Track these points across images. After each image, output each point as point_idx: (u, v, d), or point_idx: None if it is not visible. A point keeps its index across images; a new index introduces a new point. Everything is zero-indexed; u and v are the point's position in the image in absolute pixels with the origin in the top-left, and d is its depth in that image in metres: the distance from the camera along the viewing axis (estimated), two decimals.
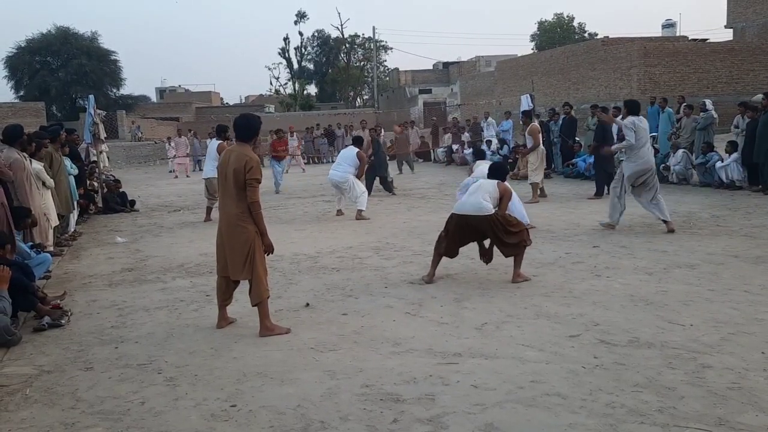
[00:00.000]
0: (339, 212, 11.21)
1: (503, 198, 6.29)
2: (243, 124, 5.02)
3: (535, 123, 12.73)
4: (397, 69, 55.67)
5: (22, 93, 41.32)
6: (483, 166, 8.19)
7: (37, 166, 7.68)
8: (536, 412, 3.41)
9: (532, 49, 51.78)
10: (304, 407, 3.62)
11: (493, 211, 6.15)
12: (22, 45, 41.72)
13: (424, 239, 8.52)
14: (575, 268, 6.58)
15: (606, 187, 11.59)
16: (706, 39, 31.25)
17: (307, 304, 5.71)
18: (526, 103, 15.76)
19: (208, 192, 11.06)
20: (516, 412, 3.42)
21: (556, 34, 52.39)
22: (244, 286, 5.13)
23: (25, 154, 7.27)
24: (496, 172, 6.66)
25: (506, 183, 6.55)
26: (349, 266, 7.21)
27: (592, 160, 15.45)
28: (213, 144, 10.73)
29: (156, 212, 12.97)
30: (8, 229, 6.08)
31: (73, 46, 41.52)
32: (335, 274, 6.88)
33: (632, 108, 8.53)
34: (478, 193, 6.26)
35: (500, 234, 6.10)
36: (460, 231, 6.30)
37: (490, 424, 3.28)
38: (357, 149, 11.21)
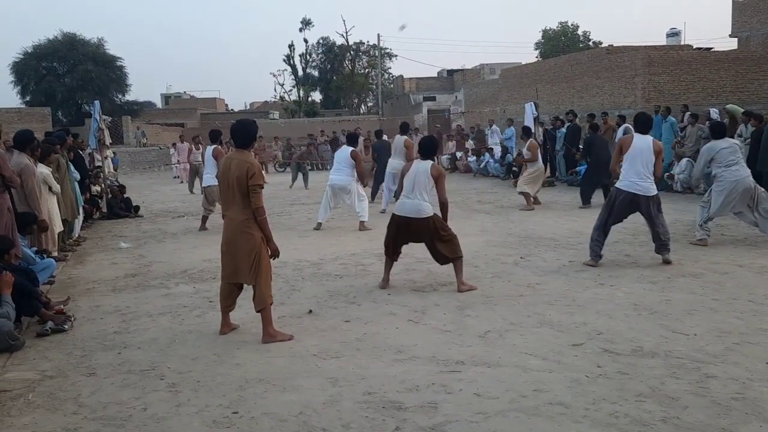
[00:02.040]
0: (318, 226, 10.44)
1: (438, 181, 6.26)
2: (240, 130, 5.03)
3: (533, 140, 12.71)
4: (401, 76, 55.72)
5: (28, 98, 41.51)
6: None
7: (44, 171, 7.71)
8: (539, 421, 3.40)
9: (537, 57, 51.83)
10: (306, 414, 3.61)
11: (431, 214, 6.25)
12: (29, 51, 41.94)
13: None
14: (579, 277, 6.57)
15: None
16: (711, 48, 31.24)
17: (310, 311, 5.71)
18: (530, 111, 15.77)
19: (207, 201, 10.98)
20: (519, 421, 3.41)
21: (560, 43, 52.44)
22: (247, 293, 5.13)
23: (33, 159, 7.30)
24: (428, 148, 6.61)
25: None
26: (353, 273, 7.20)
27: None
28: (209, 150, 10.74)
29: (160, 218, 12.99)
30: (13, 235, 6.09)
31: (79, 52, 41.73)
32: (338, 280, 6.88)
33: (716, 131, 8.13)
34: (416, 191, 6.25)
35: (435, 240, 6.24)
36: (399, 232, 6.41)
37: None
38: (351, 148, 10.65)
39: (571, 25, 55.12)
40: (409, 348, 4.63)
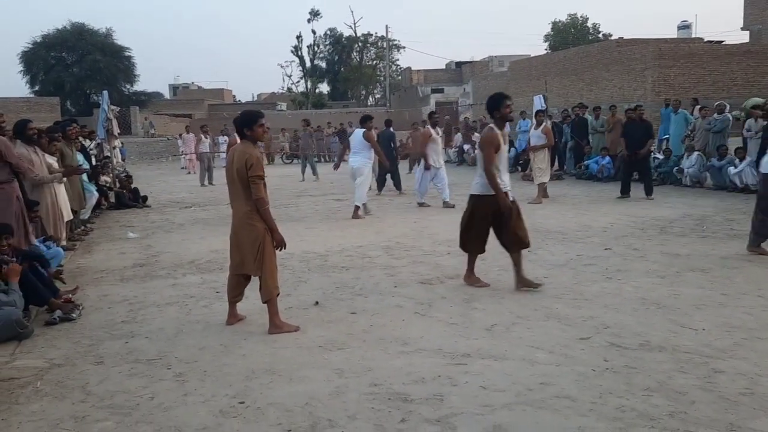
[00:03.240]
0: (363, 208, 11.05)
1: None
2: (238, 120, 5.02)
3: (547, 125, 12.68)
4: (409, 68, 55.59)
5: (37, 88, 41.68)
6: None
7: (49, 160, 7.73)
8: (545, 414, 3.39)
9: (546, 49, 51.54)
10: (312, 405, 3.61)
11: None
12: (38, 40, 42.07)
13: (434, 239, 8.51)
14: (586, 270, 6.54)
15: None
16: (722, 41, 30.98)
17: (317, 303, 5.71)
18: (539, 103, 15.71)
19: None
20: (525, 414, 3.40)
21: (569, 35, 52.13)
22: (254, 284, 5.14)
23: (36, 147, 7.31)
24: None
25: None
26: (359, 265, 7.20)
27: (606, 161, 15.40)
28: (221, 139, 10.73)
29: (167, 208, 13.03)
30: (24, 223, 6.12)
31: (87, 42, 41.87)
32: (345, 272, 6.88)
33: None
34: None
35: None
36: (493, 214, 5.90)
37: (499, 426, 3.26)
38: (363, 130, 10.86)
39: (581, 17, 54.76)
40: (415, 340, 4.62)
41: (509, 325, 4.90)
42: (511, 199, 5.89)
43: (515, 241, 5.92)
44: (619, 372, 3.90)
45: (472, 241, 6.12)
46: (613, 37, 39.90)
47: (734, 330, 4.60)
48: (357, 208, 10.71)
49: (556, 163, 15.99)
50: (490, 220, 5.96)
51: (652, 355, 4.15)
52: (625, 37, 29.99)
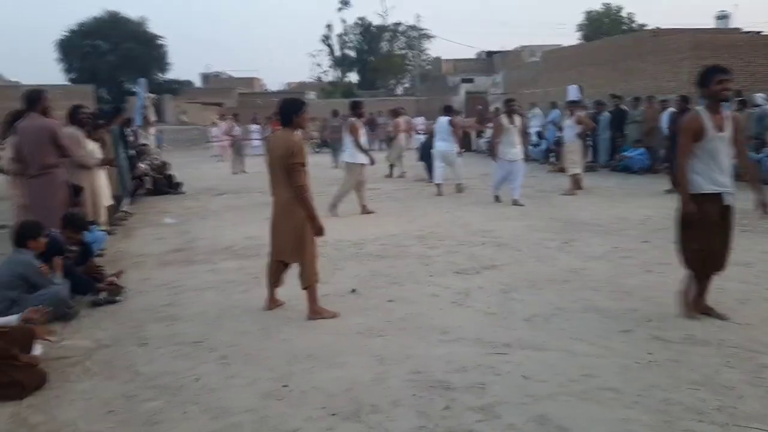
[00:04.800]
0: (438, 188, 12.02)
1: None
2: (282, 108, 5.05)
3: (581, 114, 12.48)
4: (439, 57, 55.23)
5: (73, 76, 42.40)
6: None
7: (91, 146, 7.88)
8: (590, 405, 3.38)
9: (579, 39, 50.78)
10: (355, 390, 3.65)
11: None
12: (74, 29, 42.74)
13: (468, 229, 8.48)
14: (624, 263, 6.47)
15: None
16: (761, 31, 30.19)
17: (354, 290, 5.75)
18: (574, 93, 15.47)
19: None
20: (569, 404, 3.39)
21: (603, 24, 51.25)
22: (293, 270, 5.18)
23: (83, 132, 7.49)
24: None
25: None
26: (393, 254, 7.22)
27: (639, 152, 15.18)
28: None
29: (201, 195, 13.19)
30: (69, 207, 6.25)
31: (122, 30, 42.46)
32: (379, 261, 6.90)
33: None
34: None
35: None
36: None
37: (543, 416, 3.26)
38: (448, 117, 12.09)
39: (615, 6, 53.79)
40: (453, 329, 4.63)
41: (548, 316, 4.87)
42: (726, 203, 4.59)
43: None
44: (663, 365, 3.86)
45: (697, 257, 4.67)
46: (648, 27, 39.14)
47: None
48: (460, 184, 12.20)
49: (590, 154, 15.80)
50: (718, 224, 4.58)
51: (696, 349, 4.10)
52: (661, 27, 29.39)
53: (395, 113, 18.37)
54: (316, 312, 4.97)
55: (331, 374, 3.89)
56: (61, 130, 6.37)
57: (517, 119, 10.85)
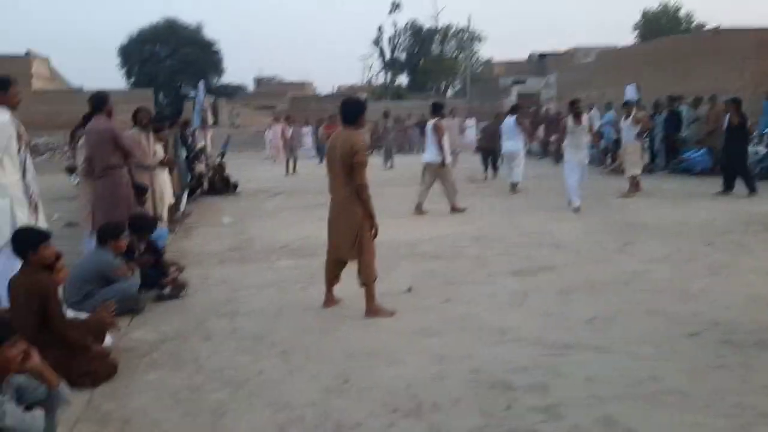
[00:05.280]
0: (512, 187, 12.45)
1: None
2: (346, 108, 5.10)
3: (638, 114, 12.14)
4: (490, 59, 54.86)
5: (133, 80, 43.81)
6: None
7: (155, 146, 8.12)
8: (657, 408, 3.29)
9: (635, 38, 49.62)
10: (415, 388, 3.65)
11: None
12: (134, 36, 44.17)
13: (522, 231, 8.39)
14: (688, 266, 6.28)
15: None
16: None
17: (409, 289, 5.75)
18: (631, 93, 15.10)
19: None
20: (636, 406, 3.32)
21: (661, 24, 49.91)
22: (350, 269, 5.21)
23: (147, 133, 7.74)
24: None
25: None
26: (449, 254, 7.19)
27: (700, 154, 14.71)
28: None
29: (256, 196, 13.43)
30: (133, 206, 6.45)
31: (179, 36, 43.62)
32: (434, 261, 6.89)
33: None
34: None
35: None
36: None
37: (609, 417, 3.20)
38: (515, 116, 12.61)
39: (673, 5, 52.32)
40: (512, 329, 4.58)
41: (610, 318, 4.77)
42: None
43: None
44: (734, 369, 3.73)
45: None
46: (708, 27, 37.90)
47: None
48: (516, 184, 12.44)
49: (647, 156, 15.41)
50: None
51: None
52: (722, 26, 28.44)
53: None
54: (373, 310, 4.99)
55: (390, 372, 3.91)
56: (121, 132, 6.58)
57: (584, 120, 10.38)
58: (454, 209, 10.13)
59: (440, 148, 10.03)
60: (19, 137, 5.09)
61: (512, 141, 12.64)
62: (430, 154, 10.29)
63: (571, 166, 10.18)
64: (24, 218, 4.95)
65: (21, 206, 5.03)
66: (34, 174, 5.30)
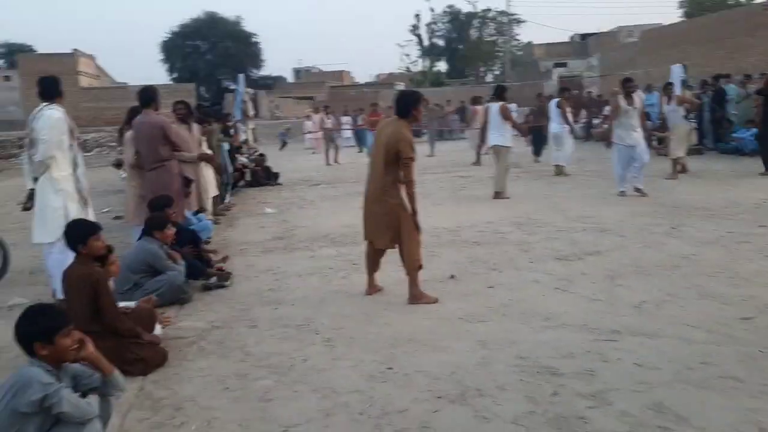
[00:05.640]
0: (557, 169, 12.48)
1: None
2: (399, 100, 5.07)
3: (680, 95, 11.76)
4: (530, 42, 53.96)
5: (175, 75, 44.61)
6: None
7: (198, 138, 8.27)
8: (710, 394, 3.21)
9: (680, 16, 48.10)
10: (459, 374, 3.64)
11: None
12: (176, 30, 44.91)
13: (567, 215, 8.25)
14: (741, 249, 6.09)
15: None
16: None
17: (452, 276, 5.73)
18: (678, 73, 14.64)
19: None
20: (687, 392, 3.24)
21: (706, 1, 48.25)
22: (391, 256, 5.21)
23: (189, 126, 7.88)
24: None
25: None
26: (491, 240, 7.13)
27: (750, 133, 14.21)
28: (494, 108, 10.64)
29: (298, 186, 13.54)
30: (181, 199, 6.58)
31: (219, 30, 44.19)
32: (477, 248, 6.84)
33: None
34: None
35: None
36: None
37: (660, 404, 3.13)
38: (558, 99, 12.84)
39: None
40: (558, 315, 4.52)
41: (659, 302, 4.66)
42: None
43: None
44: None
45: None
46: (758, 1, 36.46)
47: None
48: (563, 166, 12.45)
49: (695, 137, 14.96)
50: None
51: None
52: None
53: (475, 101, 18.16)
54: (416, 297, 4.99)
55: (434, 358, 3.90)
56: (171, 126, 6.70)
57: (637, 100, 9.60)
58: (498, 196, 10.01)
59: (507, 130, 10.24)
60: (70, 133, 5.27)
61: (554, 123, 12.72)
62: (496, 137, 10.33)
63: (620, 150, 9.57)
64: (75, 212, 5.12)
65: (72, 200, 5.21)
66: (83, 169, 5.48)
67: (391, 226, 5.00)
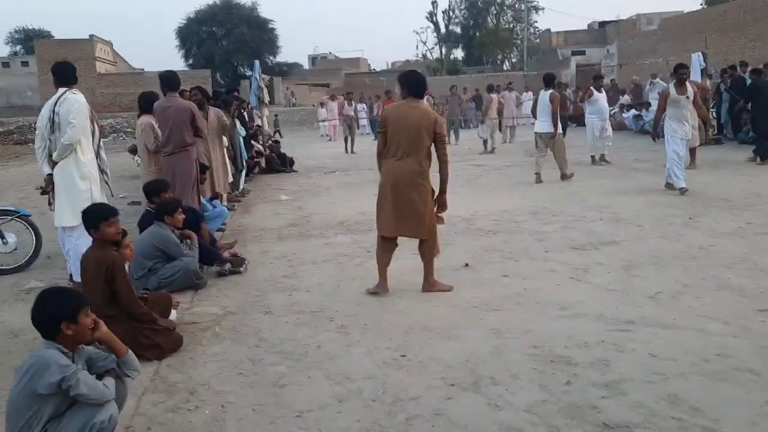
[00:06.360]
0: (602, 158, 12.29)
1: None
2: (412, 79, 4.96)
3: (693, 85, 11.56)
4: (548, 30, 53.39)
5: (191, 61, 44.71)
6: None
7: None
8: (726, 386, 3.18)
9: (701, 4, 47.31)
10: (473, 363, 3.64)
11: None
12: (191, 16, 44.97)
13: (584, 204, 8.19)
14: (759, 240, 6.01)
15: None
16: None
17: (467, 265, 5.71)
18: (697, 62, 14.43)
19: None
20: (702, 384, 3.21)
21: None
22: (402, 244, 5.14)
23: (206, 112, 7.91)
24: None
25: None
26: (506, 229, 7.10)
27: None
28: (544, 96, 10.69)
29: (313, 173, 13.56)
30: (196, 185, 6.60)
31: (235, 16, 44.18)
32: (492, 236, 6.81)
33: None
34: None
35: None
36: None
37: (675, 395, 3.10)
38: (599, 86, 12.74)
39: None
40: (573, 305, 4.50)
41: (675, 293, 4.62)
42: None
43: None
44: None
45: None
46: None
47: None
48: (603, 155, 12.31)
49: (713, 127, 14.78)
50: None
51: None
52: None
53: (490, 89, 18.03)
54: (431, 285, 4.98)
55: (448, 346, 3.90)
56: (198, 111, 6.70)
57: (690, 89, 8.71)
58: (564, 177, 10.39)
59: (555, 118, 10.36)
60: (91, 119, 5.33)
61: (595, 113, 12.44)
62: (542, 125, 10.52)
63: (675, 139, 8.67)
64: (98, 196, 5.21)
65: (96, 183, 5.29)
66: (104, 154, 5.55)
67: (427, 213, 4.88)
